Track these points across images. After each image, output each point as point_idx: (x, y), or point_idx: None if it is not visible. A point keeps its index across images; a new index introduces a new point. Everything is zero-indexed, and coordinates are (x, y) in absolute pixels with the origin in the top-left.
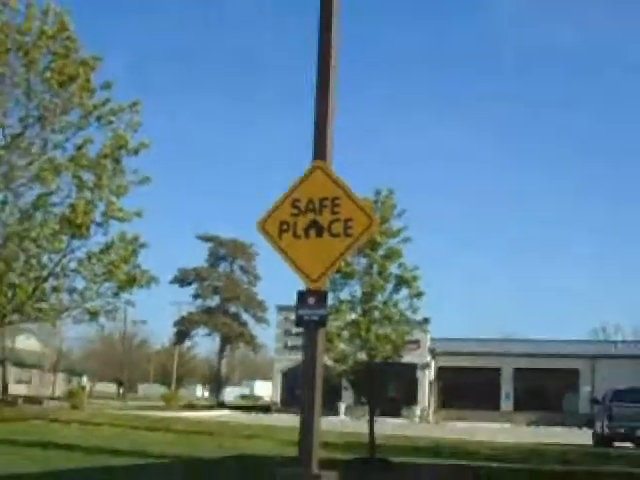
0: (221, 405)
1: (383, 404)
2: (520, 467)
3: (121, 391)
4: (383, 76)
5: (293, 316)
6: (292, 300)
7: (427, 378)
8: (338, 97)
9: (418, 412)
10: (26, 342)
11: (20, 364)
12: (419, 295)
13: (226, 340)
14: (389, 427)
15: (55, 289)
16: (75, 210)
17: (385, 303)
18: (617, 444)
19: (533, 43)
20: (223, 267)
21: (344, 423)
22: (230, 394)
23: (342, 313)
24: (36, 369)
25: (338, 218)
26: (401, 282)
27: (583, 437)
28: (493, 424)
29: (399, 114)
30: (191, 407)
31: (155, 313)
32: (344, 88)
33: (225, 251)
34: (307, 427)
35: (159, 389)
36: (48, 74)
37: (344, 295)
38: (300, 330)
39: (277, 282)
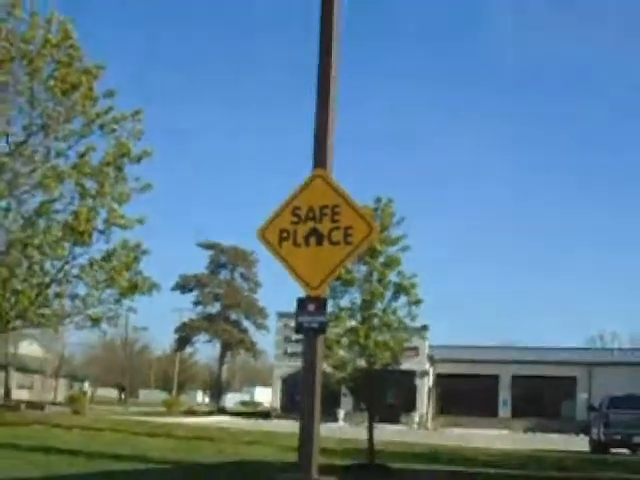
0: (221, 411)
1: (382, 411)
2: (517, 473)
3: (122, 397)
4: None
5: (293, 323)
6: (292, 307)
7: (426, 385)
8: (338, 106)
9: (416, 419)
10: (29, 348)
11: (22, 369)
12: (417, 302)
13: (227, 346)
14: (388, 433)
15: (57, 295)
16: (78, 217)
17: (384, 310)
18: (614, 451)
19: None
20: (224, 274)
21: (343, 429)
22: (230, 400)
23: (342, 320)
24: (38, 374)
25: (338, 226)
26: (400, 289)
27: (580, 444)
28: (491, 431)
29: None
30: (192, 413)
31: (156, 319)
32: (345, 98)
33: (226, 258)
34: (307, 433)
35: (160, 395)
36: (52, 82)
37: (344, 302)
38: (300, 337)
39: (277, 289)
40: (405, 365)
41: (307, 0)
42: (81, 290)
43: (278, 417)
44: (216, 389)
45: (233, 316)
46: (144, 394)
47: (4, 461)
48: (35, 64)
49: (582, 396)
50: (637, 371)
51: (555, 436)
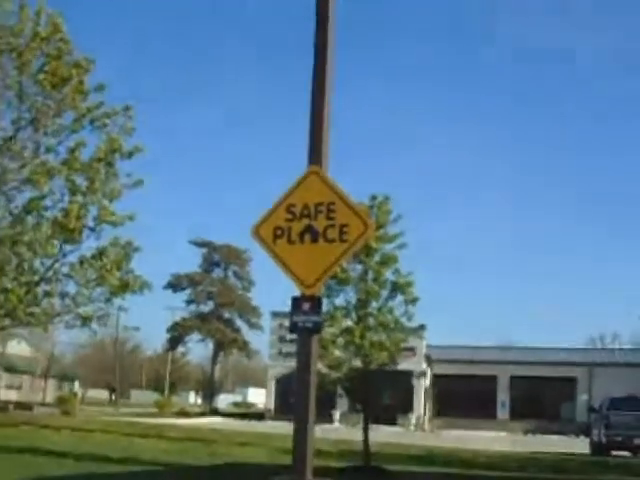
0: (214, 412)
1: (378, 412)
2: (516, 476)
3: (113, 397)
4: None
5: (287, 322)
6: (286, 306)
7: (423, 386)
8: (334, 102)
9: (413, 420)
10: (17, 347)
11: (11, 369)
12: (414, 301)
13: (219, 346)
14: (384, 435)
15: (47, 294)
16: (68, 214)
17: (380, 310)
18: (614, 452)
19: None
20: (217, 273)
21: (339, 431)
22: (223, 401)
23: (337, 320)
24: (27, 374)
25: (333, 224)
26: (396, 288)
27: (580, 446)
28: (489, 432)
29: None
30: (184, 414)
31: (148, 318)
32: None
33: (219, 257)
34: (301, 435)
35: (152, 395)
36: (41, 76)
37: (339, 301)
38: (294, 337)
39: (271, 288)
40: (402, 365)
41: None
42: (71, 288)
43: (272, 418)
44: (209, 390)
45: (226, 315)
46: (135, 395)
47: None
48: (24, 57)
49: (582, 397)
50: (638, 372)
51: (555, 438)
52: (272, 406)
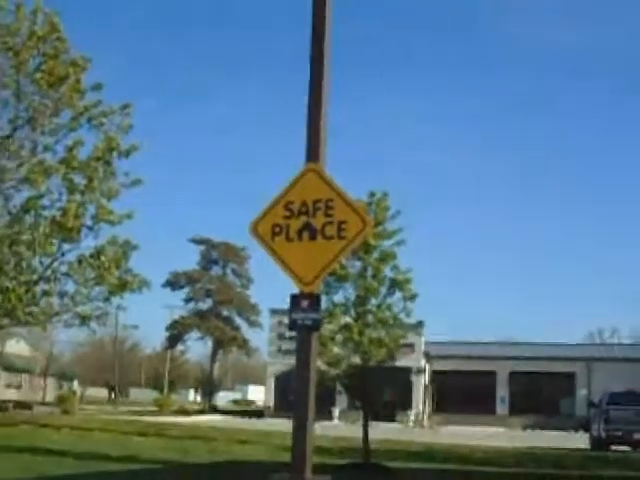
0: (213, 410)
1: (377, 408)
2: (515, 472)
3: (112, 396)
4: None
5: (286, 320)
6: (285, 304)
7: (422, 382)
8: (330, 98)
9: (412, 416)
10: (16, 346)
11: (10, 368)
12: (413, 297)
13: (219, 344)
14: (383, 432)
15: (46, 293)
16: (66, 213)
17: (379, 306)
18: (614, 447)
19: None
20: (215, 270)
21: (338, 428)
22: (223, 399)
23: (336, 316)
24: (26, 374)
25: (332, 220)
26: (394, 285)
27: (579, 441)
28: (488, 428)
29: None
30: (183, 412)
31: (147, 317)
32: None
33: (217, 254)
34: (300, 432)
35: (151, 394)
36: (38, 75)
37: (338, 298)
38: (293, 334)
39: (270, 285)
40: (400, 362)
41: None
42: (70, 288)
43: (271, 416)
44: (208, 387)
45: (225, 313)
46: (135, 393)
47: None
48: (21, 56)
49: (582, 392)
50: (637, 367)
51: (554, 433)
52: (271, 403)
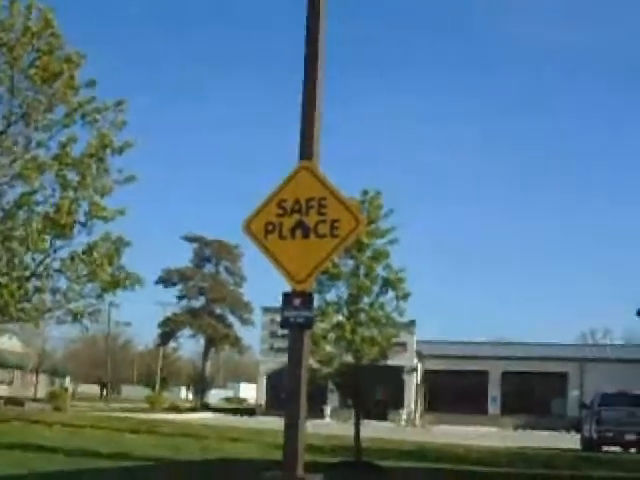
0: (205, 407)
1: (369, 407)
2: (506, 472)
3: (104, 393)
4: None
5: (279, 318)
6: (278, 302)
7: (414, 381)
8: (324, 97)
9: (404, 415)
10: (8, 342)
11: (2, 365)
12: (405, 297)
13: (211, 341)
14: (375, 430)
15: (38, 289)
16: (59, 210)
17: (371, 305)
18: (605, 448)
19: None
20: (208, 268)
21: (330, 426)
22: (214, 396)
23: (328, 315)
24: (18, 370)
25: (325, 219)
26: (387, 284)
27: (571, 441)
28: (480, 428)
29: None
30: (175, 409)
31: (139, 313)
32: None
33: (210, 252)
34: (292, 430)
35: (143, 391)
36: (32, 71)
37: (330, 297)
38: (286, 332)
39: (263, 283)
40: (393, 361)
41: None
42: (62, 284)
43: (263, 414)
44: (200, 385)
45: (218, 310)
46: (127, 390)
47: None
48: (15, 52)
49: (573, 393)
50: (629, 368)
51: (545, 433)
52: (263, 401)
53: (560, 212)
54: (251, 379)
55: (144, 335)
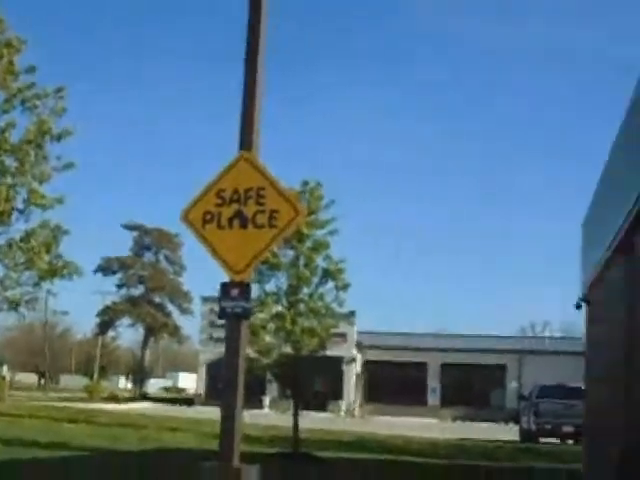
0: (144, 397)
1: (308, 398)
2: (447, 463)
3: (42, 382)
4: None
5: (218, 307)
6: (217, 291)
7: (353, 372)
8: (265, 89)
9: (344, 406)
10: None
11: None
12: (345, 287)
13: (150, 331)
14: (314, 421)
15: None
16: None
17: (311, 296)
18: (543, 440)
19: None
20: (148, 257)
21: (268, 417)
22: (153, 386)
23: (267, 305)
24: None
25: (263, 209)
26: (327, 274)
27: (510, 433)
28: (420, 419)
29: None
30: (114, 399)
31: (78, 302)
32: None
33: (150, 240)
34: (228, 420)
35: (81, 380)
36: None
37: (270, 287)
38: (224, 322)
39: (203, 273)
40: (332, 351)
41: None
42: None
43: (202, 403)
44: (139, 374)
45: (157, 299)
46: (65, 379)
47: None
48: None
49: (512, 385)
50: (568, 360)
51: (484, 425)
52: (202, 391)
53: (506, 203)
54: (190, 369)
55: (83, 324)
